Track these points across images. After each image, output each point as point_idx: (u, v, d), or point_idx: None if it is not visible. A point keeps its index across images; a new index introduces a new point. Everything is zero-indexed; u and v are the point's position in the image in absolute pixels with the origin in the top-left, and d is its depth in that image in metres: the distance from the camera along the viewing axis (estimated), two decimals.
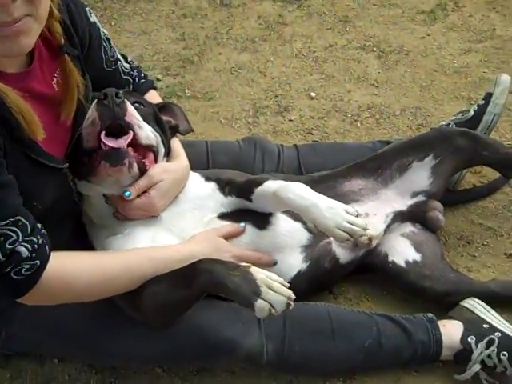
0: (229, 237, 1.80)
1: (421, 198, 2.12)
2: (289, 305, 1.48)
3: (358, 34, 3.18)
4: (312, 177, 2.14)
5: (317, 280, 1.96)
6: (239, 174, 2.01)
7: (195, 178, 1.92)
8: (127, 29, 3.25)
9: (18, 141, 1.44)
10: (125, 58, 2.01)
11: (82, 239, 1.83)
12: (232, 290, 1.48)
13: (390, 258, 2.04)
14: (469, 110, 2.38)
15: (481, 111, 2.34)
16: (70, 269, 1.55)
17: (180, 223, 1.81)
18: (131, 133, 1.66)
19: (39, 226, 1.49)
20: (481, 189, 2.39)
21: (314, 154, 2.31)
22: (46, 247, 1.49)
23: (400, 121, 2.66)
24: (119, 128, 1.65)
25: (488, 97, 2.36)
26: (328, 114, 2.73)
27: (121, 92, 1.66)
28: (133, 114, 1.68)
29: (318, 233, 1.90)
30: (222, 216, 1.85)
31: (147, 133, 1.73)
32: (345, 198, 2.05)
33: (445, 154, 2.09)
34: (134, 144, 1.68)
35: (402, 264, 2.02)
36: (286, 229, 1.91)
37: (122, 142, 1.64)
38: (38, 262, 1.46)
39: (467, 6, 3.34)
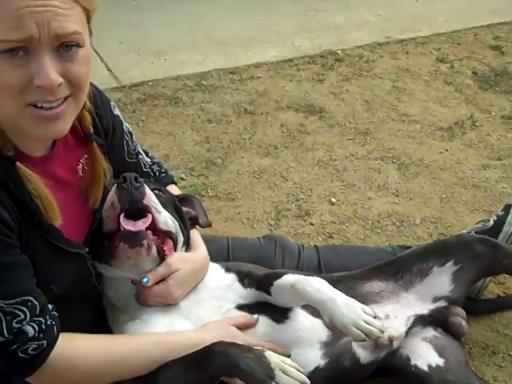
0: (241, 327, 1.78)
1: (442, 303, 2.09)
2: None
3: (377, 146, 3.26)
4: (331, 276, 2.13)
5: (335, 378, 1.91)
6: (259, 267, 2.01)
7: (215, 269, 1.93)
8: (154, 130, 3.35)
9: (37, 225, 1.47)
10: (146, 152, 2.06)
11: (101, 325, 1.81)
12: (246, 373, 1.47)
13: (413, 362, 1.99)
14: (489, 219, 2.39)
15: (501, 221, 2.36)
16: (78, 350, 1.54)
17: (198, 312, 1.80)
18: (149, 216, 1.69)
19: (50, 307, 1.50)
20: (505, 299, 2.36)
21: (334, 255, 2.32)
22: (55, 328, 1.49)
23: (420, 229, 2.68)
24: (138, 211, 1.68)
25: (507, 208, 2.39)
26: (349, 219, 2.75)
27: (139, 177, 1.70)
28: (151, 198, 1.72)
29: (334, 329, 1.87)
30: (240, 307, 1.84)
31: (166, 218, 1.76)
32: (365, 299, 2.02)
33: (465, 260, 2.08)
34: (153, 228, 1.71)
35: (425, 368, 1.96)
36: (304, 324, 1.88)
37: (141, 225, 1.67)
38: (44, 342, 1.46)
39: (484, 125, 3.44)
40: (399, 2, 4.93)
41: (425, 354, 2.01)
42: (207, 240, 2.00)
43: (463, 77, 3.92)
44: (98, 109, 1.73)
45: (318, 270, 2.22)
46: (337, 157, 3.17)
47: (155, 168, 2.06)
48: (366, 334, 1.69)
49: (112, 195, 1.70)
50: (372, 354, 1.98)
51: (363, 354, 1.97)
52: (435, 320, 2.08)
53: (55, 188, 1.53)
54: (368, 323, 1.69)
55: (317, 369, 1.88)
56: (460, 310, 2.11)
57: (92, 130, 1.67)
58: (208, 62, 4.01)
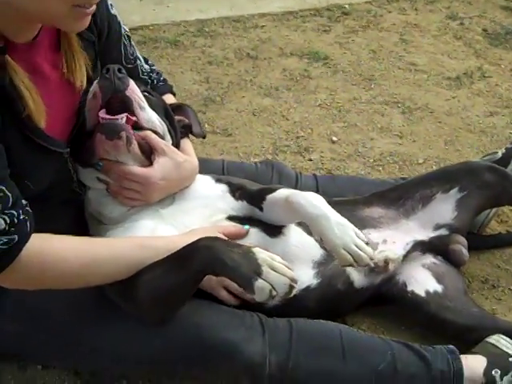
0: (231, 237, 1.66)
1: (444, 231, 2.00)
2: (291, 287, 1.36)
3: (382, 91, 3.16)
4: (329, 200, 2.03)
5: (328, 301, 1.81)
6: (253, 183, 1.91)
7: (205, 179, 1.82)
8: None
9: (14, 114, 1.37)
10: (145, 59, 1.97)
11: (83, 233, 1.71)
12: (231, 268, 1.36)
13: (409, 288, 1.89)
14: (497, 151, 2.29)
15: (509, 154, 2.26)
16: (54, 249, 1.43)
17: (184, 220, 1.69)
18: (135, 108, 1.60)
19: (24, 202, 1.39)
20: (507, 236, 2.26)
21: (333, 184, 2.22)
22: (28, 224, 1.38)
23: (423, 168, 2.58)
24: (120, 107, 1.58)
25: None
26: (349, 157, 2.65)
27: (123, 69, 1.60)
28: (134, 90, 1.61)
29: (324, 248, 1.78)
30: (231, 218, 1.74)
31: (150, 116, 1.65)
32: (363, 223, 1.93)
33: (471, 187, 1.98)
34: (137, 127, 1.61)
35: (422, 294, 1.87)
36: (298, 240, 1.78)
37: (119, 117, 1.56)
38: (16, 237, 1.34)
39: (493, 76, 3.33)
40: None
41: (422, 280, 1.92)
42: (201, 161, 1.90)
43: (473, 33, 3.81)
44: None
45: None
46: (340, 100, 3.07)
47: (153, 76, 1.96)
48: (354, 259, 1.56)
49: (94, 86, 1.60)
50: (367, 278, 1.89)
51: (357, 277, 1.87)
52: (435, 247, 1.99)
53: (37, 82, 1.43)
54: (359, 247, 1.57)
55: (308, 288, 1.78)
56: (461, 238, 2.02)
57: None
58: (212, 10, 3.90)
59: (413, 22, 3.91)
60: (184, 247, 1.46)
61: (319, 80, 3.23)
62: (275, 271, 1.36)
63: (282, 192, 1.72)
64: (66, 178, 1.65)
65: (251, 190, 1.80)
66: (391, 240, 1.94)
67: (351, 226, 1.60)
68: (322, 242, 1.61)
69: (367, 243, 1.59)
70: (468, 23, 3.93)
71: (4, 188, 1.33)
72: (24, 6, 1.29)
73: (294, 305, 1.71)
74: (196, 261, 1.41)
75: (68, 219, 1.73)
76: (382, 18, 3.94)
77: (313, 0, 4.12)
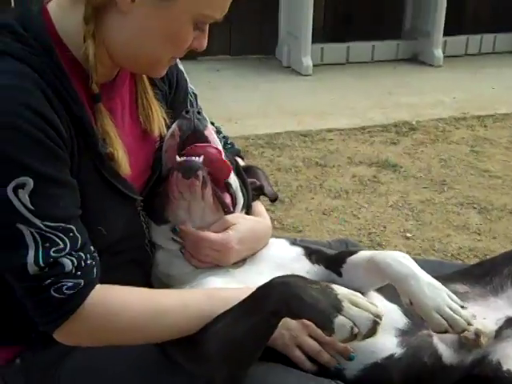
0: None
1: None
2: (376, 324, 1.22)
3: (456, 194, 3.07)
4: None
5: (413, 375, 1.62)
6: (330, 250, 1.80)
7: (279, 242, 1.72)
8: None
9: (92, 151, 1.33)
10: (212, 122, 1.96)
11: None
12: (308, 305, 1.23)
13: (505, 367, 1.69)
14: None
15: None
16: (119, 297, 1.34)
17: (256, 280, 1.57)
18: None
19: (92, 248, 1.32)
20: None
21: None
22: (94, 270, 1.30)
23: None
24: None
25: None
26: (425, 252, 2.53)
27: (202, 112, 1.58)
28: (213, 133, 1.57)
29: (412, 313, 1.62)
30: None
31: None
32: None
33: None
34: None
35: None
36: (378, 306, 1.64)
37: (198, 158, 1.52)
38: (82, 281, 1.26)
39: None
40: (475, 88, 4.86)
41: None
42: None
43: None
44: None
45: None
46: (412, 201, 2.99)
47: (220, 136, 1.93)
48: (449, 324, 1.42)
49: (172, 127, 1.56)
50: (456, 355, 1.69)
51: (446, 351, 1.68)
52: None
53: (117, 122, 1.42)
54: (453, 311, 1.41)
55: (392, 356, 1.61)
56: None
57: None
58: (279, 126, 3.97)
59: (483, 137, 3.87)
60: (257, 289, 1.35)
61: (389, 185, 3.17)
62: (357, 307, 1.23)
63: (364, 253, 1.59)
64: (138, 233, 1.57)
65: (329, 254, 1.68)
66: (481, 316, 1.76)
67: (444, 287, 1.46)
68: (411, 305, 1.46)
69: (463, 307, 1.44)
70: None
71: (74, 228, 1.26)
72: (136, 52, 1.32)
73: (377, 374, 1.55)
74: (270, 299, 1.29)
75: (134, 280, 1.64)
76: (451, 133, 3.92)
77: (380, 117, 4.16)
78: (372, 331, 1.22)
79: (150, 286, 1.66)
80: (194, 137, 1.54)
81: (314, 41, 5.22)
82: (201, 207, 1.54)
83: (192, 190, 1.50)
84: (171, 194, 1.52)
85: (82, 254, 1.27)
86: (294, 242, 1.73)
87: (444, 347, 1.68)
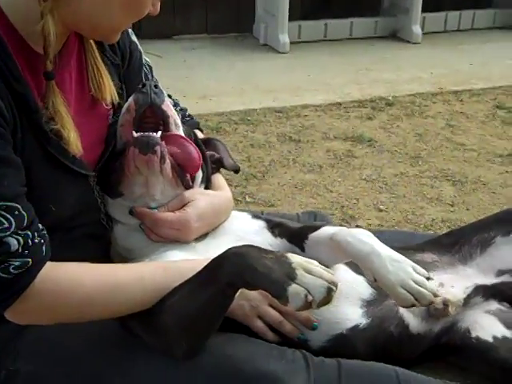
0: None
1: (508, 277, 1.79)
2: (330, 291, 1.18)
3: (430, 167, 3.04)
4: None
5: (380, 345, 1.60)
6: (293, 222, 1.76)
7: (241, 215, 1.68)
8: None
9: (36, 128, 1.28)
10: (169, 95, 1.90)
11: None
12: (262, 274, 1.20)
13: (474, 334, 1.67)
14: None
15: None
16: (70, 274, 1.29)
17: (218, 253, 1.54)
18: (171, 124, 1.50)
19: (41, 226, 1.27)
20: None
21: (381, 237, 1.99)
22: (43, 248, 1.25)
23: None
24: (154, 122, 1.49)
25: None
26: (398, 223, 2.49)
27: (159, 85, 1.52)
28: (171, 107, 1.52)
29: (378, 288, 1.59)
30: None
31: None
32: None
33: None
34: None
35: (489, 339, 1.64)
36: (344, 277, 1.60)
37: (156, 134, 1.46)
38: (29, 260, 1.21)
39: None
40: (452, 64, 4.83)
41: (488, 326, 1.69)
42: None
43: None
44: None
45: None
46: (386, 175, 2.96)
47: (178, 109, 1.88)
48: (415, 298, 1.37)
49: (128, 101, 1.51)
50: (424, 324, 1.67)
51: (413, 321, 1.66)
52: (500, 293, 1.77)
53: (66, 96, 1.35)
54: (419, 284, 1.38)
55: (356, 327, 1.58)
56: None
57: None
58: (254, 102, 3.91)
59: (459, 111, 3.85)
60: (212, 260, 1.31)
61: (364, 159, 3.14)
62: (311, 275, 1.19)
63: (327, 230, 1.56)
64: (93, 207, 1.53)
65: (292, 227, 1.64)
66: (449, 284, 1.74)
67: (408, 260, 1.42)
68: (375, 282, 1.42)
69: (428, 278, 1.40)
70: None
71: (19, 206, 1.21)
72: (97, 22, 1.29)
73: (342, 345, 1.52)
74: (225, 270, 1.25)
75: (92, 255, 1.59)
76: (427, 108, 3.89)
77: (356, 93, 4.12)
78: (327, 299, 1.19)
79: (110, 260, 1.62)
80: (150, 111, 1.49)
81: (291, 18, 5.15)
82: (159, 182, 1.50)
83: (150, 166, 1.45)
84: (127, 169, 1.47)
85: (28, 233, 1.22)
86: (256, 215, 1.70)
87: (411, 316, 1.66)
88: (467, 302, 1.73)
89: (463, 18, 5.85)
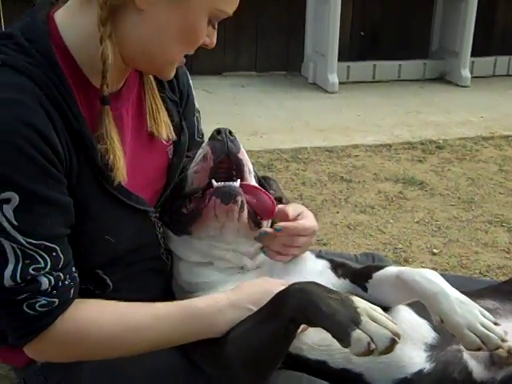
0: None
1: None
2: (394, 342, 1.17)
3: (484, 212, 3.01)
4: None
5: None
6: (356, 264, 1.76)
7: (305, 254, 1.68)
8: None
9: (91, 163, 1.30)
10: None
11: None
12: (325, 315, 1.20)
13: None
14: None
15: None
16: (89, 315, 1.31)
17: None
18: (245, 172, 1.51)
19: (74, 269, 1.29)
20: None
21: None
22: (71, 290, 1.27)
23: None
24: (229, 170, 1.50)
25: None
26: (453, 268, 2.47)
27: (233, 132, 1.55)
28: (245, 154, 1.54)
29: (442, 331, 1.57)
30: None
31: (255, 183, 1.57)
32: None
33: None
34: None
35: None
36: (407, 319, 1.59)
37: (235, 183, 1.48)
38: (56, 301, 1.24)
39: None
40: (502, 108, 4.81)
41: None
42: None
43: None
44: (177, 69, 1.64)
45: None
46: (439, 218, 2.94)
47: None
48: (482, 341, 1.35)
49: (203, 148, 1.51)
50: (487, 372, 1.64)
51: (476, 367, 1.63)
52: None
53: (120, 133, 1.38)
54: (486, 328, 1.36)
55: (421, 372, 1.56)
56: None
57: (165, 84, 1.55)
58: (305, 141, 3.95)
59: (511, 156, 3.81)
60: (276, 294, 1.32)
61: (416, 201, 3.13)
62: (376, 323, 1.19)
63: (392, 269, 1.55)
64: (153, 243, 1.54)
65: (355, 267, 1.64)
66: None
67: (475, 304, 1.41)
68: (442, 323, 1.41)
69: (495, 323, 1.39)
70: None
71: (58, 248, 1.23)
72: (151, 50, 1.30)
73: None
74: (288, 305, 1.26)
75: (153, 288, 1.61)
76: (478, 152, 3.87)
77: (406, 135, 4.12)
78: (389, 349, 1.18)
79: (171, 292, 1.64)
80: (227, 159, 1.51)
81: (340, 59, 5.21)
82: (235, 228, 1.51)
83: (230, 215, 1.47)
84: (205, 216, 1.49)
85: (61, 274, 1.24)
86: (319, 255, 1.69)
87: (474, 363, 1.63)
88: None
89: None
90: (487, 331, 1.35)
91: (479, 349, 1.35)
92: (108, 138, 1.30)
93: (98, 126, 1.29)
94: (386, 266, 1.59)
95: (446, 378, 1.59)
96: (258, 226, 1.55)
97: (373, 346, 1.16)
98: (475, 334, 1.35)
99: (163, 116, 1.53)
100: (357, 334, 1.17)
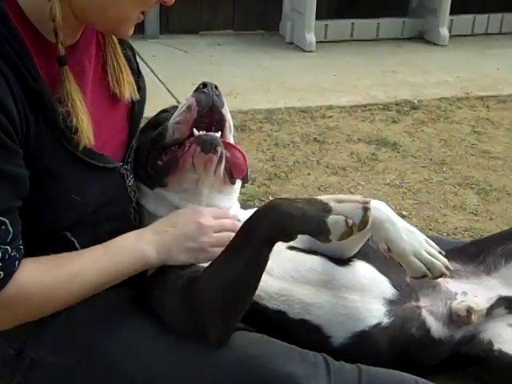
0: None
1: None
2: (366, 209, 1.20)
3: (454, 174, 3.03)
4: None
5: (401, 346, 1.60)
6: None
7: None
8: None
9: (52, 125, 1.27)
10: None
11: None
12: (299, 218, 1.22)
13: (496, 346, 1.66)
14: None
15: None
16: (32, 274, 1.31)
17: None
18: (226, 128, 1.51)
19: (20, 242, 1.28)
20: None
21: None
22: (16, 262, 1.27)
23: None
24: (211, 124, 1.49)
25: None
26: (421, 231, 2.46)
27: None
28: (227, 110, 1.53)
29: (401, 286, 1.60)
30: (292, 248, 1.57)
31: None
32: None
33: None
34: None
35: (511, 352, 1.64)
36: (367, 274, 1.61)
37: (217, 134, 1.47)
38: (1, 273, 1.24)
39: None
40: (479, 68, 4.80)
41: (511, 339, 1.69)
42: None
43: None
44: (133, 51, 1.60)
45: None
46: (409, 180, 2.95)
47: None
48: (427, 268, 1.39)
49: (189, 99, 1.49)
50: (446, 329, 1.66)
51: (435, 324, 1.65)
52: None
53: (85, 88, 1.35)
54: (432, 255, 1.40)
55: (379, 325, 1.58)
56: None
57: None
58: (279, 101, 3.92)
59: (485, 117, 3.82)
60: (244, 223, 1.32)
61: (388, 163, 3.13)
62: (344, 203, 1.22)
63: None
64: (122, 196, 1.52)
65: None
66: (472, 293, 1.73)
67: (421, 234, 1.45)
68: (389, 251, 1.43)
69: (440, 252, 1.43)
70: None
71: (7, 222, 1.22)
72: (104, 8, 1.26)
73: (365, 343, 1.52)
74: (261, 227, 1.27)
75: None
76: (453, 113, 3.87)
77: (381, 95, 4.11)
78: (365, 219, 1.20)
79: None
80: (210, 112, 1.50)
81: (317, 17, 5.14)
82: (210, 181, 1.51)
83: (208, 166, 1.46)
84: (182, 164, 1.48)
85: (8, 248, 1.23)
86: None
87: (432, 320, 1.65)
88: (490, 312, 1.73)
89: (491, 22, 5.80)
90: (432, 258, 1.40)
91: (424, 275, 1.39)
92: (69, 99, 1.27)
93: (57, 87, 1.26)
94: None
95: (403, 333, 1.62)
96: (232, 182, 1.55)
97: (350, 222, 1.19)
98: (421, 261, 1.39)
99: (126, 76, 1.51)
100: (331, 218, 1.19)
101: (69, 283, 1.34)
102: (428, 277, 1.39)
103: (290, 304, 1.48)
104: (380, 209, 1.44)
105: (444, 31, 5.43)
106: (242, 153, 1.53)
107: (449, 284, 1.69)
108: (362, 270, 1.60)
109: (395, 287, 1.64)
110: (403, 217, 2.60)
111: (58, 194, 1.31)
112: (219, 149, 1.45)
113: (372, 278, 1.61)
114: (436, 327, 1.65)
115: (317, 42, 5.10)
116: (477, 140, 3.47)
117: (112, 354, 1.43)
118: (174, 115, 1.52)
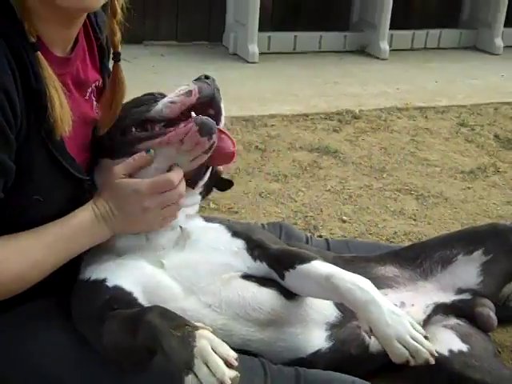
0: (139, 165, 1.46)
1: (467, 296, 1.82)
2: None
3: (394, 181, 3.07)
4: (343, 257, 1.87)
5: (337, 365, 1.59)
6: (272, 237, 1.73)
7: (220, 231, 1.62)
8: None
9: (41, 123, 1.30)
10: None
11: None
12: (166, 355, 1.18)
13: None
14: None
15: None
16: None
17: (188, 273, 1.50)
18: (221, 122, 1.51)
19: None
20: None
21: (346, 247, 2.05)
22: None
23: None
24: (207, 114, 1.47)
25: None
26: (361, 235, 2.51)
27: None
28: (223, 107, 1.53)
29: (345, 311, 1.60)
30: (247, 277, 1.55)
31: None
32: (378, 283, 1.72)
33: (497, 251, 1.81)
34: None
35: (445, 353, 1.66)
36: (314, 303, 1.60)
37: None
38: None
39: (508, 172, 3.24)
40: (418, 81, 4.90)
41: (445, 340, 1.71)
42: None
43: (484, 138, 3.77)
44: None
45: None
46: (350, 187, 2.97)
47: None
48: (410, 354, 1.34)
49: (189, 85, 1.49)
50: None
51: (373, 341, 1.65)
52: (459, 310, 1.80)
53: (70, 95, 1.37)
54: (416, 340, 1.35)
55: (318, 352, 1.59)
56: (488, 302, 1.83)
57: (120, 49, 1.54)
58: None
59: (424, 127, 3.89)
60: (135, 313, 1.31)
61: (329, 170, 3.15)
62: (208, 367, 1.14)
63: (319, 268, 1.50)
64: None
65: (272, 250, 1.58)
66: (409, 303, 1.76)
67: (406, 316, 1.40)
68: (371, 332, 1.40)
69: (426, 337, 1.38)
70: (479, 129, 3.90)
71: None
72: None
73: (301, 365, 1.51)
74: (140, 336, 1.25)
75: None
76: (392, 123, 3.93)
77: (323, 105, 4.14)
78: None
79: None
80: (209, 103, 1.48)
81: (261, 29, 5.17)
82: (184, 165, 1.46)
83: (197, 148, 1.43)
84: (169, 138, 1.43)
85: None
86: (236, 233, 1.61)
87: (372, 338, 1.64)
88: (427, 321, 1.75)
89: (430, 37, 5.94)
90: (417, 344, 1.34)
91: (407, 362, 1.35)
92: (48, 86, 1.28)
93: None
94: (310, 257, 1.54)
95: (342, 354, 1.62)
96: (194, 184, 1.56)
97: None
98: (405, 347, 1.34)
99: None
100: (188, 379, 1.14)
101: (32, 268, 1.36)
102: (411, 363, 1.34)
103: (230, 338, 1.45)
104: (365, 289, 1.40)
105: (384, 45, 5.53)
106: (232, 142, 1.53)
107: (387, 295, 1.69)
108: (309, 299, 1.59)
109: (339, 309, 1.63)
110: (344, 222, 2.62)
111: (27, 190, 1.33)
112: (214, 137, 1.42)
113: (318, 306, 1.60)
114: (374, 343, 1.64)
115: (260, 54, 5.13)
116: (415, 148, 3.52)
117: (36, 357, 1.41)
118: (170, 95, 1.50)
